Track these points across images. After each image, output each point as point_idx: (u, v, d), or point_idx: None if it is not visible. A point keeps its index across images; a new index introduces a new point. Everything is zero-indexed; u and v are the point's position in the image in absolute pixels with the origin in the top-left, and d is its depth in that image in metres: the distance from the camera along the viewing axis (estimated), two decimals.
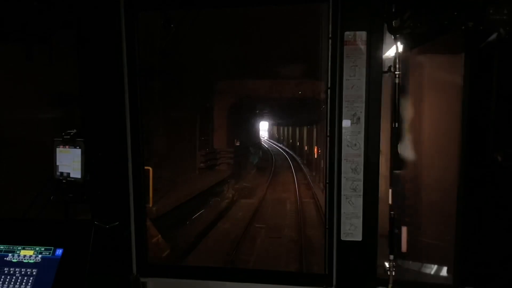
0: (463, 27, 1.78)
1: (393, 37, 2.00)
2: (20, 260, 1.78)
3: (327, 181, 2.18)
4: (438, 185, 2.67)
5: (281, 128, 38.73)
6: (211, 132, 15.07)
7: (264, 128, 39.77)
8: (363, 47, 2.02)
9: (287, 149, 31.65)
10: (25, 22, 2.75)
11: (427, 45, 2.44)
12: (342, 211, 2.10)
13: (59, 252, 1.78)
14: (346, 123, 2.06)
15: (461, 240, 2.19)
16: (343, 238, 2.11)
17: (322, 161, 12.55)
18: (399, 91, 2.05)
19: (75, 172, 2.48)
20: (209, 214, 10.02)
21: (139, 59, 2.33)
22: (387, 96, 2.05)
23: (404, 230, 2.35)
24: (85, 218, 2.44)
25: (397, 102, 2.06)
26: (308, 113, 17.08)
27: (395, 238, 2.14)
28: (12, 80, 3.28)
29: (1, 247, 1.82)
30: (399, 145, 2.12)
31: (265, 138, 41.52)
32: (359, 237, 2.09)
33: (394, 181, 2.12)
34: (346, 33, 2.03)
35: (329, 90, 2.13)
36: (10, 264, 1.78)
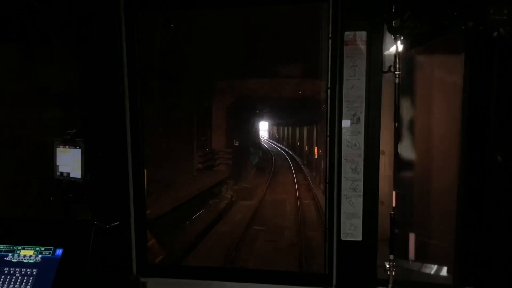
0: (463, 27, 1.78)
1: (393, 37, 2.00)
2: (20, 260, 1.78)
3: (327, 181, 2.18)
4: (438, 185, 2.67)
5: (281, 128, 38.74)
6: (210, 132, 14.97)
7: (264, 128, 39.81)
8: (363, 47, 2.02)
9: (287, 149, 31.62)
10: (25, 22, 2.75)
11: (427, 45, 2.44)
12: (342, 211, 2.10)
13: (59, 252, 1.78)
14: (346, 123, 2.06)
15: (461, 240, 2.19)
16: (343, 238, 2.11)
17: (322, 161, 12.47)
18: (399, 91, 2.05)
19: (75, 172, 2.48)
20: (206, 217, 9.82)
21: (139, 59, 2.33)
22: (387, 96, 2.05)
23: (411, 236, 2.34)
24: (85, 218, 2.44)
25: (397, 102, 2.06)
26: (308, 113, 17.05)
27: (395, 238, 2.14)
28: (12, 80, 3.28)
29: (1, 247, 1.82)
30: (399, 146, 2.11)
31: (265, 138, 41.53)
32: (359, 237, 2.09)
33: (398, 183, 2.11)
34: (346, 33, 2.03)
35: (329, 90, 2.13)
36: (10, 264, 1.78)
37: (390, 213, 2.14)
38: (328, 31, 2.11)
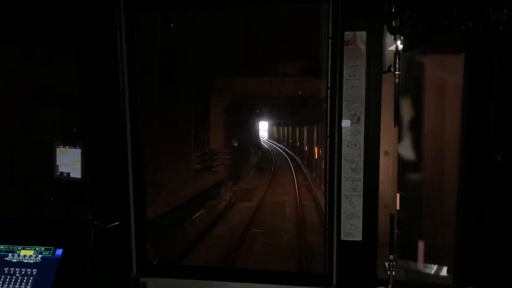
0: (463, 27, 1.78)
1: (393, 37, 2.00)
2: (20, 260, 1.78)
3: (327, 181, 2.18)
4: (438, 185, 2.67)
5: (281, 128, 38.73)
6: (208, 132, 14.79)
7: (264, 128, 39.78)
8: (363, 47, 2.02)
9: (287, 149, 31.60)
10: (25, 22, 2.75)
11: (427, 45, 2.44)
12: (342, 211, 2.10)
13: (59, 252, 1.78)
14: (346, 123, 2.06)
15: (461, 240, 2.19)
16: (343, 238, 2.11)
17: (322, 162, 12.29)
18: (399, 91, 2.05)
19: (75, 172, 2.48)
20: (202, 220, 9.61)
21: (139, 59, 2.33)
22: (387, 96, 2.05)
23: (420, 245, 2.33)
24: (85, 218, 2.44)
25: (397, 102, 2.06)
26: (308, 113, 17.01)
27: (395, 238, 2.14)
28: (12, 80, 3.28)
29: (1, 247, 1.82)
30: (403, 146, 2.11)
31: (265, 138, 41.51)
32: (359, 237, 2.09)
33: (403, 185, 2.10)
34: (346, 33, 2.03)
35: (329, 90, 2.13)
36: (10, 264, 1.78)
37: (390, 213, 2.14)
38: (328, 31, 2.11)
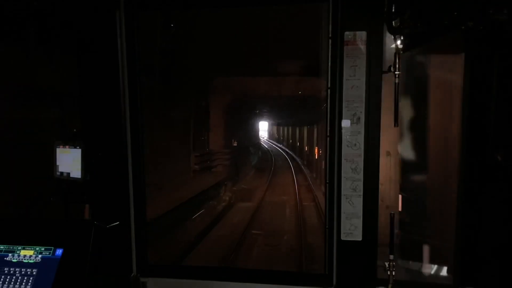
0: (463, 27, 1.78)
1: (393, 37, 2.00)
2: (20, 260, 1.78)
3: (327, 181, 2.18)
4: (438, 185, 2.67)
5: (281, 128, 38.73)
6: (207, 132, 14.69)
7: (264, 128, 39.76)
8: (363, 47, 2.02)
9: (287, 149, 31.59)
10: (25, 22, 2.75)
11: (427, 45, 2.44)
12: (342, 211, 2.10)
13: (59, 252, 1.78)
14: (346, 123, 2.06)
15: (461, 240, 2.19)
16: (343, 238, 2.11)
17: (323, 162, 12.13)
18: (399, 91, 2.05)
19: (75, 172, 2.48)
20: (202, 220, 9.50)
21: (139, 59, 2.33)
22: (387, 96, 2.05)
23: (426, 250, 2.32)
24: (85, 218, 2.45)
25: (397, 102, 2.06)
26: (308, 112, 16.97)
27: (395, 238, 2.14)
28: (12, 80, 3.28)
29: (1, 247, 1.82)
30: (402, 146, 2.11)
31: (265, 138, 41.51)
32: (359, 237, 2.09)
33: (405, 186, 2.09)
34: (346, 33, 2.03)
35: (329, 90, 2.13)
36: (10, 264, 1.78)
37: (390, 213, 2.14)
38: (328, 31, 2.11)
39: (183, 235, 7.99)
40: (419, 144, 2.65)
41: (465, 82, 2.13)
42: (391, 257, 2.11)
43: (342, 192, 2.09)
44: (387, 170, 2.05)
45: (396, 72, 2.03)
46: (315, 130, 18.40)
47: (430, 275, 2.49)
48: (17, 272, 1.75)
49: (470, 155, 2.12)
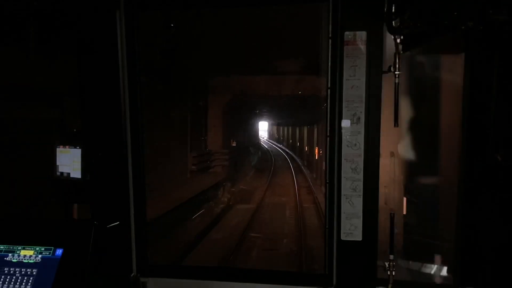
0: (463, 27, 1.78)
1: (393, 37, 2.00)
2: (20, 260, 1.78)
3: (327, 181, 2.18)
4: (438, 185, 2.67)
5: (281, 128, 38.72)
6: (205, 132, 14.55)
7: (263, 128, 39.73)
8: (363, 47, 2.02)
9: (286, 150, 31.56)
10: (25, 22, 2.75)
11: (427, 45, 2.44)
12: (342, 211, 2.10)
13: (59, 252, 1.78)
14: (346, 123, 2.06)
15: (461, 240, 2.19)
16: (343, 238, 2.11)
17: (323, 162, 11.93)
18: (399, 91, 2.05)
19: (75, 172, 2.49)
20: (200, 222, 9.36)
21: (139, 59, 2.33)
22: (387, 96, 2.05)
23: (438, 259, 2.30)
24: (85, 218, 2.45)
25: (397, 102, 2.06)
26: (308, 113, 16.94)
27: (395, 238, 2.14)
28: (12, 80, 3.28)
29: (1, 247, 1.82)
30: (406, 147, 2.10)
31: (265, 138, 41.49)
32: (359, 237, 2.09)
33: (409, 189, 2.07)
34: (346, 33, 2.03)
35: (329, 90, 2.14)
36: (10, 264, 1.78)
37: (390, 213, 2.14)
38: (328, 31, 2.11)
39: (175, 241, 7.78)
40: (430, 145, 2.61)
41: (465, 82, 2.13)
42: (391, 257, 2.11)
43: (342, 192, 2.09)
44: (391, 172, 2.05)
45: (396, 72, 2.03)
46: (315, 130, 18.35)
47: (430, 275, 2.49)
48: (17, 272, 1.75)
49: (470, 155, 2.12)
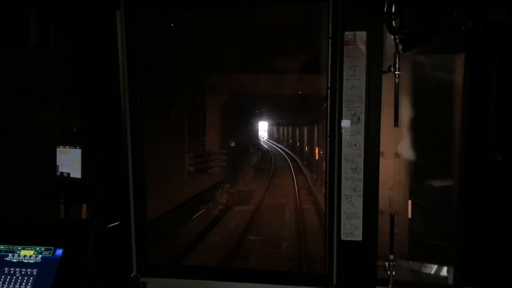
0: (463, 27, 1.78)
1: (393, 37, 2.00)
2: (20, 260, 1.78)
3: (327, 181, 2.18)
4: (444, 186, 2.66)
5: (281, 128, 38.71)
6: (203, 132, 14.41)
7: (263, 128, 39.71)
8: (363, 47, 2.02)
9: (286, 150, 31.53)
10: (25, 22, 2.75)
11: (427, 45, 2.44)
12: (342, 211, 2.10)
13: (59, 252, 1.78)
14: (346, 123, 2.06)
15: (461, 240, 2.19)
16: (343, 238, 2.11)
17: (323, 163, 11.76)
18: (399, 91, 2.06)
19: (75, 172, 2.49)
20: (198, 224, 9.22)
21: (139, 59, 2.33)
22: (387, 96, 2.05)
23: (444, 270, 2.28)
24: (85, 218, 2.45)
25: (397, 102, 2.06)
26: (308, 112, 16.91)
27: (395, 238, 2.14)
28: (12, 80, 3.28)
29: (1, 247, 1.82)
30: (411, 147, 2.10)
31: (265, 138, 41.49)
32: (359, 237, 2.09)
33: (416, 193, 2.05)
34: (346, 33, 2.03)
35: (329, 90, 2.14)
36: (10, 264, 1.78)
37: (390, 214, 2.14)
38: (328, 31, 2.11)
39: (171, 244, 7.61)
40: (430, 145, 2.59)
41: (465, 82, 2.13)
42: (391, 257, 2.11)
43: (342, 192, 2.09)
44: (395, 174, 2.04)
45: (396, 72, 2.03)
46: (315, 130, 18.28)
47: (429, 274, 2.49)
48: (17, 272, 1.75)
49: (470, 155, 2.12)
